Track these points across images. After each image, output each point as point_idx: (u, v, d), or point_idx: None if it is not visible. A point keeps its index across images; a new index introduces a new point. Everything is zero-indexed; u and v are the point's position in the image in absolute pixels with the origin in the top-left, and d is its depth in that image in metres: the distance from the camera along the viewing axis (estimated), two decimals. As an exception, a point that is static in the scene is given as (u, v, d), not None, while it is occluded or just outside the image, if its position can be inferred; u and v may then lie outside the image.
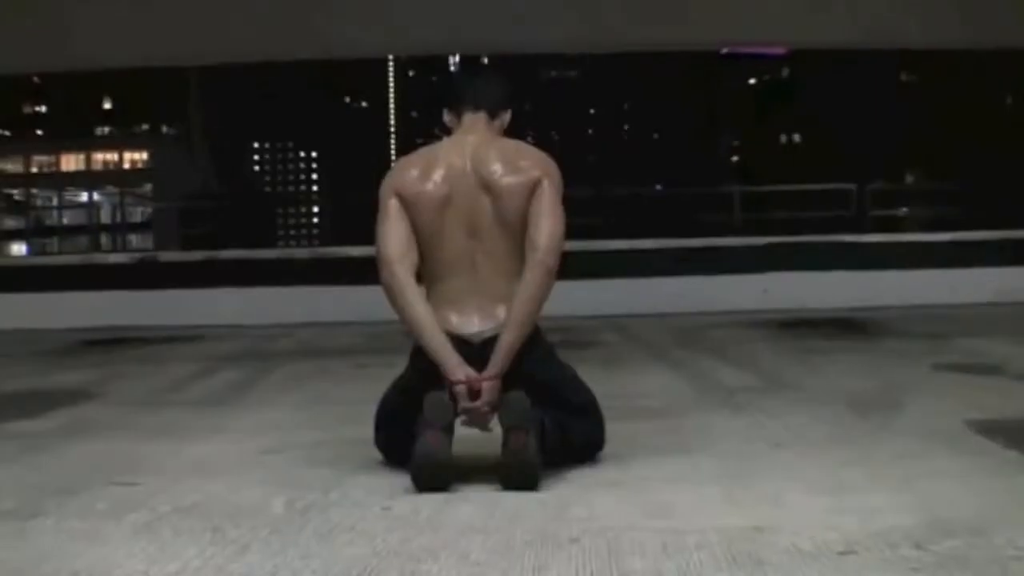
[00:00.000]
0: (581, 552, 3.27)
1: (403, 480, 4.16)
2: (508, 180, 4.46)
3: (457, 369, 4.32)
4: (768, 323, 11.63)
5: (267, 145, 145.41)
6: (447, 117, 4.70)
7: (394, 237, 4.45)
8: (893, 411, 5.79)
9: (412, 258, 4.46)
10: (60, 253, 24.27)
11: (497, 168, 4.48)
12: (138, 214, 64.72)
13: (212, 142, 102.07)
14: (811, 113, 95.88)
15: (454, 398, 4.28)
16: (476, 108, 4.65)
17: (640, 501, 3.89)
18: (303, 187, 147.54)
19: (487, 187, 4.46)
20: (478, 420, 4.36)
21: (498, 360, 4.33)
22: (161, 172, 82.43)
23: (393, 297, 4.42)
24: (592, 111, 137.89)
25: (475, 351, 4.37)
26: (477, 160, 4.50)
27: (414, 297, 4.41)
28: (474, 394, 4.31)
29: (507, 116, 4.73)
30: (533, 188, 4.45)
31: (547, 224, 4.42)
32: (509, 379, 4.31)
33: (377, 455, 4.64)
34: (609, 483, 4.19)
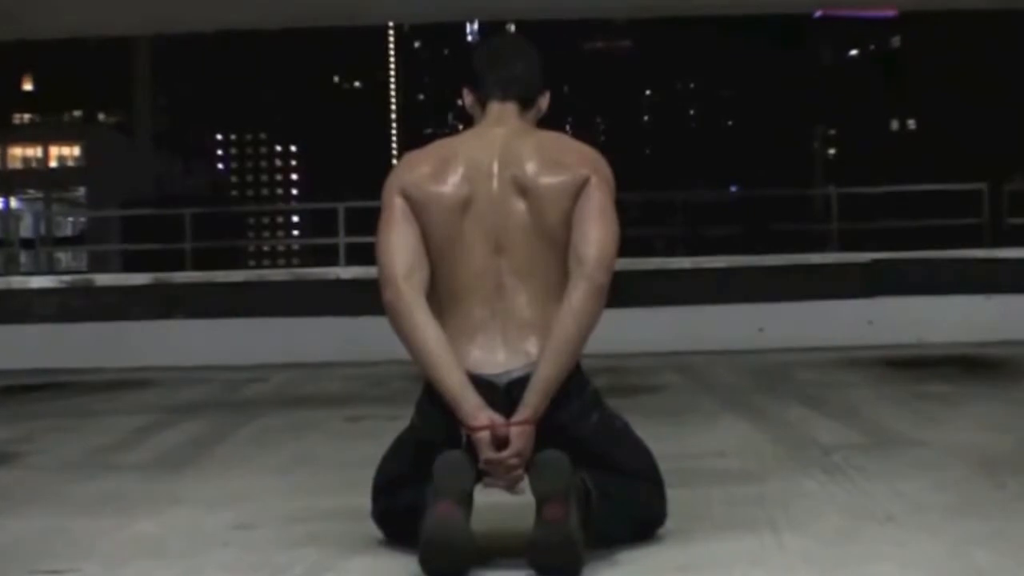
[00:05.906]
0: (635, 654, 3.29)
1: (409, 562, 4.17)
2: (548, 180, 4.45)
3: (478, 411, 4.27)
4: (874, 362, 11.61)
5: (234, 137, 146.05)
6: (468, 100, 4.70)
7: (400, 248, 4.44)
8: (1035, 474, 5.78)
9: (422, 274, 4.43)
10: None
11: (534, 165, 4.46)
12: (68, 225, 65.15)
13: (164, 133, 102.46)
14: (929, 93, 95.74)
15: (474, 454, 4.24)
16: (504, 96, 4.64)
17: (711, 589, 3.89)
18: (280, 190, 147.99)
19: (521, 189, 4.45)
20: (504, 478, 4.30)
21: (531, 400, 4.29)
22: (97, 171, 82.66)
23: (398, 321, 4.39)
24: (648, 92, 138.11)
25: (500, 395, 4.33)
26: (507, 156, 4.49)
27: (424, 321, 4.37)
28: (500, 443, 4.26)
29: (544, 101, 4.71)
30: (579, 190, 4.43)
31: (596, 233, 4.40)
32: (543, 432, 4.28)
33: (376, 531, 4.65)
34: (671, 566, 4.19)
